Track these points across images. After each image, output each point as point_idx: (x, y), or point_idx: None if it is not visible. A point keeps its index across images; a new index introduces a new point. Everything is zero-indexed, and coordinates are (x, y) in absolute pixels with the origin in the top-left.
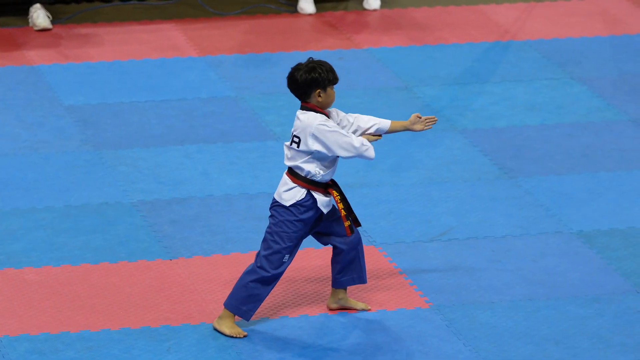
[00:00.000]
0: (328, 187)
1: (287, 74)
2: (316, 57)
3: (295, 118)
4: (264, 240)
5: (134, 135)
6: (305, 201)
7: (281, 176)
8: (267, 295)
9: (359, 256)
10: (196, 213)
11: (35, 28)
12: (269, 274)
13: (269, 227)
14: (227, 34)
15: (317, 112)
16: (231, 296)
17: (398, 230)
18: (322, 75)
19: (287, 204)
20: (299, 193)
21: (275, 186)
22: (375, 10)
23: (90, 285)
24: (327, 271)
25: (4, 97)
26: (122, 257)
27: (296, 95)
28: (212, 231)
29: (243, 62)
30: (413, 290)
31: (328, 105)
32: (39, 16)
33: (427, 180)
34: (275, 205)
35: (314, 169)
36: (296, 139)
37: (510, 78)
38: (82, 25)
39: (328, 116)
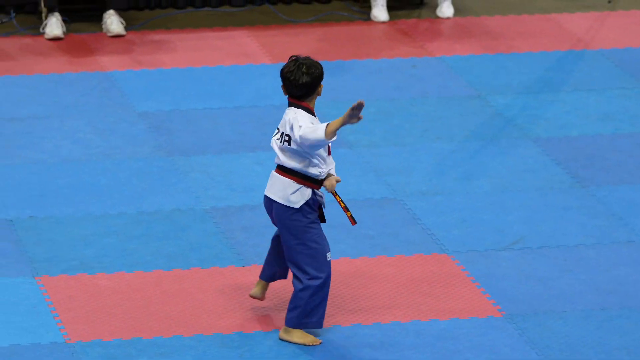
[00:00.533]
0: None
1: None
2: (389, 65)
3: (285, 115)
4: (298, 252)
5: (206, 141)
6: (312, 200)
7: (357, 183)
8: (327, 296)
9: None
10: (267, 220)
11: (109, 34)
12: (322, 279)
13: (294, 237)
14: (299, 41)
15: (309, 111)
16: (293, 316)
17: (470, 238)
18: (321, 70)
19: (297, 206)
20: (306, 192)
21: (350, 194)
22: (448, 18)
23: (162, 291)
24: (399, 278)
25: (76, 103)
26: (195, 264)
27: (297, 96)
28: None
29: None
30: (486, 298)
31: None
32: (113, 22)
33: (500, 189)
34: (285, 210)
35: (312, 167)
36: (286, 137)
37: (583, 87)
38: (156, 32)
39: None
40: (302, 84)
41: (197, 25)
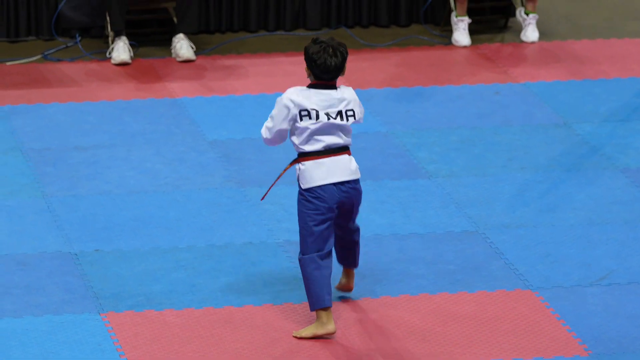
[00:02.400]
0: None
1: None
2: (471, 92)
3: (338, 93)
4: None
5: (279, 171)
6: None
7: (437, 215)
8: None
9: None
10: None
11: (178, 59)
12: None
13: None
14: (377, 67)
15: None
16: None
17: (556, 273)
18: (346, 50)
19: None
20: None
21: (429, 227)
22: (533, 42)
23: (233, 328)
24: (481, 315)
25: (144, 131)
26: (267, 300)
27: (334, 77)
28: (361, 273)
29: (394, 96)
30: (571, 337)
31: None
32: (182, 47)
33: (586, 221)
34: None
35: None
36: (350, 112)
37: None
38: (227, 57)
39: None
40: (333, 66)
41: (270, 49)
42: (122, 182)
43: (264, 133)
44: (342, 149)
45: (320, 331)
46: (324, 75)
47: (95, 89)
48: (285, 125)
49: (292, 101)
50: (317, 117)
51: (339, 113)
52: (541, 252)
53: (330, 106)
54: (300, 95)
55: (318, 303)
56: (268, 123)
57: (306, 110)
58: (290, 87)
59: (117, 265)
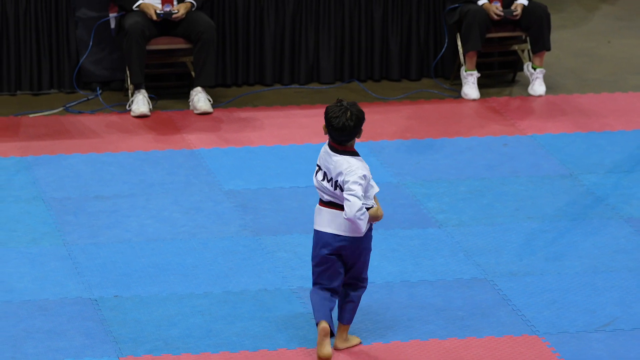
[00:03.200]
0: None
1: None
2: (479, 143)
3: (339, 162)
4: (365, 262)
5: (293, 221)
6: None
7: (447, 263)
8: None
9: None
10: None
11: (196, 111)
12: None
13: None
14: (389, 119)
15: (353, 154)
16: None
17: (562, 319)
18: (363, 116)
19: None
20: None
21: (439, 275)
22: (540, 96)
23: None
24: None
25: (162, 181)
26: (281, 344)
27: (343, 141)
28: (372, 319)
29: (405, 147)
30: None
31: None
32: (200, 99)
33: (592, 269)
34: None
35: None
36: (341, 184)
37: None
38: (243, 109)
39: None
40: (346, 129)
41: (284, 102)
42: (141, 230)
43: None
44: (337, 206)
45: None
46: (334, 135)
47: (116, 140)
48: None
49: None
50: (317, 174)
51: (331, 180)
52: (548, 299)
53: (328, 170)
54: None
55: (316, 316)
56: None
57: (317, 166)
58: (305, 138)
59: (136, 311)
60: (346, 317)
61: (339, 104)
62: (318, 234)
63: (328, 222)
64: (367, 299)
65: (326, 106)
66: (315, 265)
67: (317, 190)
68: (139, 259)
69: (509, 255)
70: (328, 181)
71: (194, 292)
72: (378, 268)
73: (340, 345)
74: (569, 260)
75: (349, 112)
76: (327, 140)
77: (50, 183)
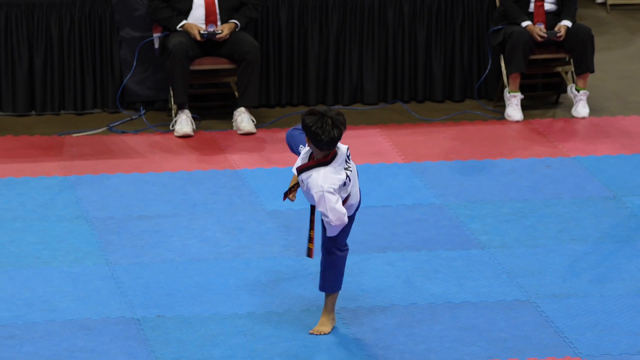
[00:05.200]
0: None
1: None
2: (522, 165)
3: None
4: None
5: None
6: None
7: (490, 285)
8: None
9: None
10: (399, 322)
11: (239, 132)
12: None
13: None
14: (432, 140)
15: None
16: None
17: (605, 342)
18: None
19: None
20: None
21: (481, 296)
22: (583, 118)
23: None
24: None
25: (206, 201)
26: None
27: (332, 148)
28: (414, 340)
29: (448, 168)
30: None
31: None
32: (243, 120)
33: (635, 292)
34: None
35: None
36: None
37: None
38: (286, 130)
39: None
40: (332, 138)
41: None
42: (184, 250)
43: (344, 220)
44: None
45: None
46: (323, 148)
47: (159, 160)
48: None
49: (334, 189)
50: (349, 180)
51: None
52: (591, 321)
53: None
54: (333, 182)
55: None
56: (335, 215)
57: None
58: None
59: (179, 331)
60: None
61: (316, 115)
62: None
63: None
64: (410, 319)
65: (302, 117)
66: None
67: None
68: (182, 279)
69: (552, 277)
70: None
71: (236, 312)
72: (421, 289)
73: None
74: (613, 282)
75: (329, 120)
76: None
77: (94, 203)
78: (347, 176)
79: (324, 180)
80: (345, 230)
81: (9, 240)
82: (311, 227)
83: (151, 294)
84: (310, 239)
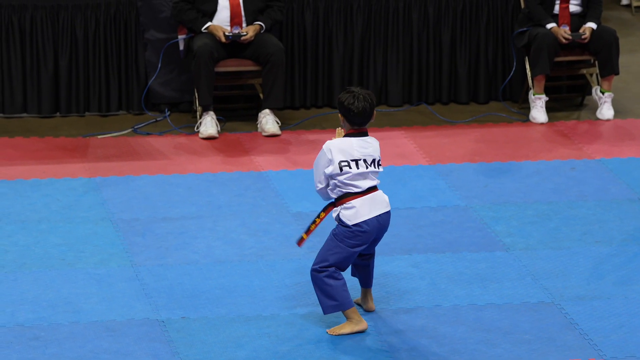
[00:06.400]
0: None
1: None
2: (547, 167)
3: (373, 142)
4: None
5: None
6: None
7: (514, 287)
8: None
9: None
10: (423, 324)
11: (264, 134)
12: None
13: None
14: (457, 142)
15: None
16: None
17: (629, 344)
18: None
19: None
20: None
21: (506, 298)
22: (608, 120)
23: None
24: None
25: (230, 203)
26: None
27: (365, 123)
28: (438, 342)
29: (473, 170)
30: None
31: None
32: (268, 122)
33: None
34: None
35: None
36: (379, 161)
37: None
38: (311, 132)
39: None
40: (367, 110)
41: None
42: (209, 252)
43: (317, 186)
44: (375, 188)
45: (356, 328)
46: (357, 121)
47: (184, 162)
48: (328, 171)
49: (332, 153)
50: (357, 165)
51: (374, 161)
52: (615, 323)
53: (367, 154)
54: (341, 146)
55: (346, 304)
56: (316, 177)
57: (346, 161)
58: None
59: (203, 332)
60: (372, 280)
61: (348, 93)
62: (365, 224)
63: (376, 206)
64: (434, 321)
65: (337, 98)
66: (352, 249)
67: (348, 184)
68: (207, 281)
69: (576, 279)
70: (372, 164)
71: (261, 314)
72: (445, 291)
73: (373, 305)
74: (637, 284)
75: (361, 96)
76: (343, 133)
77: (118, 204)
78: (357, 162)
79: (334, 140)
80: (334, 253)
81: (34, 241)
82: (315, 221)
83: (176, 295)
84: (308, 230)
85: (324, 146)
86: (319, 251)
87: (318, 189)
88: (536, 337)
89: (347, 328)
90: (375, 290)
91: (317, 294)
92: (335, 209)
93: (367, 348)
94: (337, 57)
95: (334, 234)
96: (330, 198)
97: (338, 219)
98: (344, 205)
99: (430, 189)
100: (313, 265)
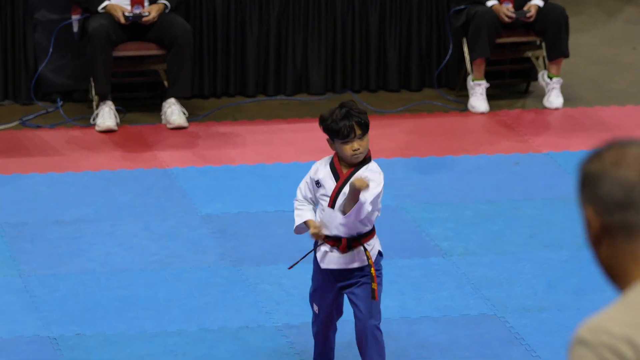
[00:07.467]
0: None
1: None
2: (488, 162)
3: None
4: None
5: (278, 249)
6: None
7: (452, 297)
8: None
9: None
10: (349, 340)
11: (169, 126)
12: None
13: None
14: (386, 135)
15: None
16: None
17: None
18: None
19: None
20: None
21: (443, 310)
22: (556, 109)
23: None
24: None
25: (132, 204)
26: None
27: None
28: None
29: (405, 166)
30: None
31: None
32: (174, 112)
33: None
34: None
35: None
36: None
37: None
38: (222, 123)
39: None
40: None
41: (269, 116)
42: (107, 260)
43: (368, 209)
44: None
45: None
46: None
47: (78, 158)
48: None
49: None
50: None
51: None
52: (566, 338)
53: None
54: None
55: None
56: (376, 200)
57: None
58: (291, 156)
59: (100, 350)
60: None
61: (333, 108)
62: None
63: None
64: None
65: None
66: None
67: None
68: (105, 292)
69: (522, 288)
70: None
71: (166, 330)
72: None
73: None
74: (591, 294)
75: (344, 110)
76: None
77: (5, 206)
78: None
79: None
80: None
81: None
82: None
83: (69, 309)
84: (373, 279)
85: (377, 167)
86: (365, 299)
87: (367, 212)
88: (477, 354)
89: None
90: (294, 301)
91: (371, 357)
92: (369, 242)
93: None
94: (251, 40)
95: (379, 275)
96: (365, 226)
97: (379, 252)
98: (375, 235)
99: None
100: (372, 319)
